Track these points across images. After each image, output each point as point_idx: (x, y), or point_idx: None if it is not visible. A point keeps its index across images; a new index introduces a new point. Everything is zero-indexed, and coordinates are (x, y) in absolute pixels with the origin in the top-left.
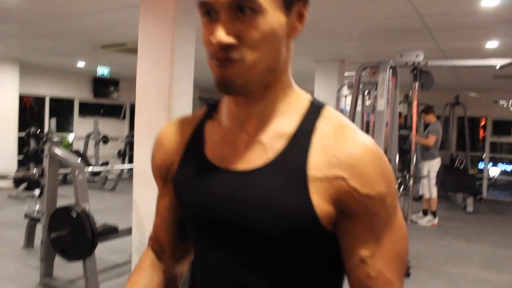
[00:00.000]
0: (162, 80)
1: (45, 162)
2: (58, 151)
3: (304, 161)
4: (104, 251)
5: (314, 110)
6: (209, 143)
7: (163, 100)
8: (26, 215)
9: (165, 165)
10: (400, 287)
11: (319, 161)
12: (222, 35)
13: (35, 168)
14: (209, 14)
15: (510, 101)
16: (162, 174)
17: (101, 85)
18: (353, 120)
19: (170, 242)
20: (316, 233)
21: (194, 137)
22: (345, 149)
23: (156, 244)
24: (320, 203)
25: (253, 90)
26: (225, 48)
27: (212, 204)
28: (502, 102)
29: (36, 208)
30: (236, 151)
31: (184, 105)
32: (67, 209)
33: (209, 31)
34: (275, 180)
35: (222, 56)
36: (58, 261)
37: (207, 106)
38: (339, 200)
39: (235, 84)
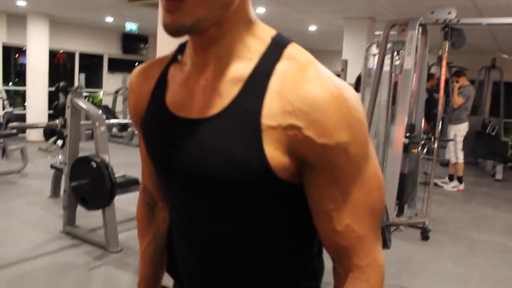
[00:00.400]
0: None
1: (67, 113)
2: (80, 102)
3: (259, 109)
4: (126, 202)
5: (275, 49)
6: (171, 89)
7: None
8: (52, 166)
9: (136, 111)
10: (374, 241)
11: (274, 108)
12: None
13: (57, 120)
14: None
15: None
16: (136, 120)
17: (130, 41)
18: (378, 80)
19: (156, 190)
20: (274, 184)
21: (158, 83)
22: (301, 93)
23: (146, 194)
24: (275, 154)
25: (204, 28)
26: None
27: (169, 154)
28: None
29: (60, 158)
30: (193, 99)
31: None
32: (87, 159)
33: None
34: (228, 129)
35: None
36: (81, 210)
37: (178, 47)
38: (296, 151)
39: (185, 26)
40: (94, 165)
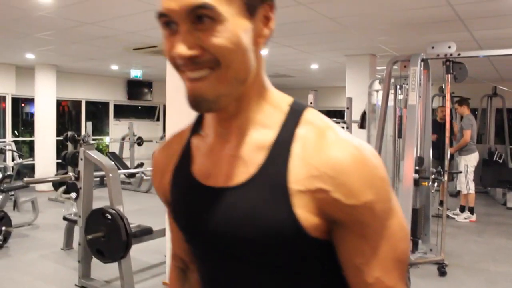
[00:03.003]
0: None
1: (80, 166)
2: (92, 154)
3: (284, 174)
4: (139, 252)
5: (294, 116)
6: (196, 160)
7: None
8: (64, 218)
9: (162, 186)
10: None
11: (300, 173)
12: (181, 49)
13: (71, 172)
14: (169, 25)
15: None
16: (163, 195)
17: (135, 87)
18: (384, 115)
19: (187, 256)
20: (306, 243)
21: (183, 156)
22: (325, 158)
23: (178, 261)
24: (305, 215)
25: (225, 104)
26: (190, 59)
27: (199, 221)
28: None
29: (73, 210)
30: (220, 168)
31: None
32: (102, 211)
33: (171, 43)
34: (257, 196)
35: (191, 68)
36: (96, 262)
37: (195, 119)
38: (325, 211)
39: (207, 99)
40: (109, 217)
